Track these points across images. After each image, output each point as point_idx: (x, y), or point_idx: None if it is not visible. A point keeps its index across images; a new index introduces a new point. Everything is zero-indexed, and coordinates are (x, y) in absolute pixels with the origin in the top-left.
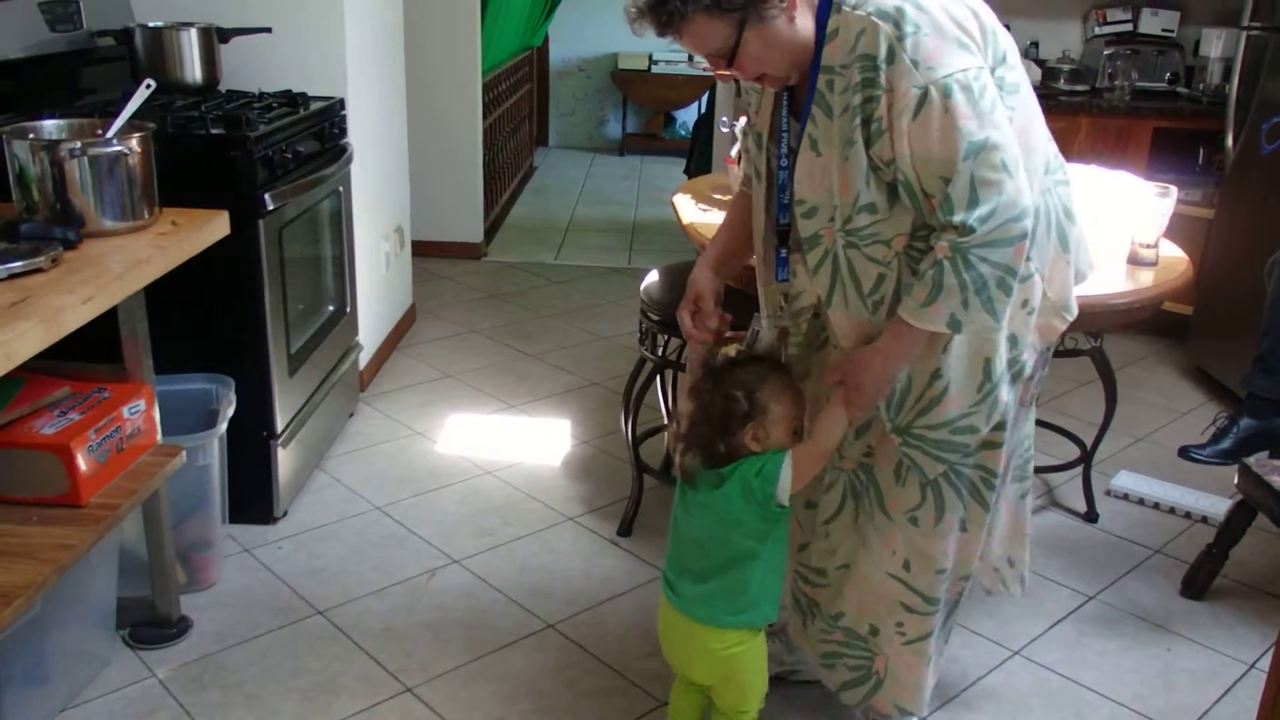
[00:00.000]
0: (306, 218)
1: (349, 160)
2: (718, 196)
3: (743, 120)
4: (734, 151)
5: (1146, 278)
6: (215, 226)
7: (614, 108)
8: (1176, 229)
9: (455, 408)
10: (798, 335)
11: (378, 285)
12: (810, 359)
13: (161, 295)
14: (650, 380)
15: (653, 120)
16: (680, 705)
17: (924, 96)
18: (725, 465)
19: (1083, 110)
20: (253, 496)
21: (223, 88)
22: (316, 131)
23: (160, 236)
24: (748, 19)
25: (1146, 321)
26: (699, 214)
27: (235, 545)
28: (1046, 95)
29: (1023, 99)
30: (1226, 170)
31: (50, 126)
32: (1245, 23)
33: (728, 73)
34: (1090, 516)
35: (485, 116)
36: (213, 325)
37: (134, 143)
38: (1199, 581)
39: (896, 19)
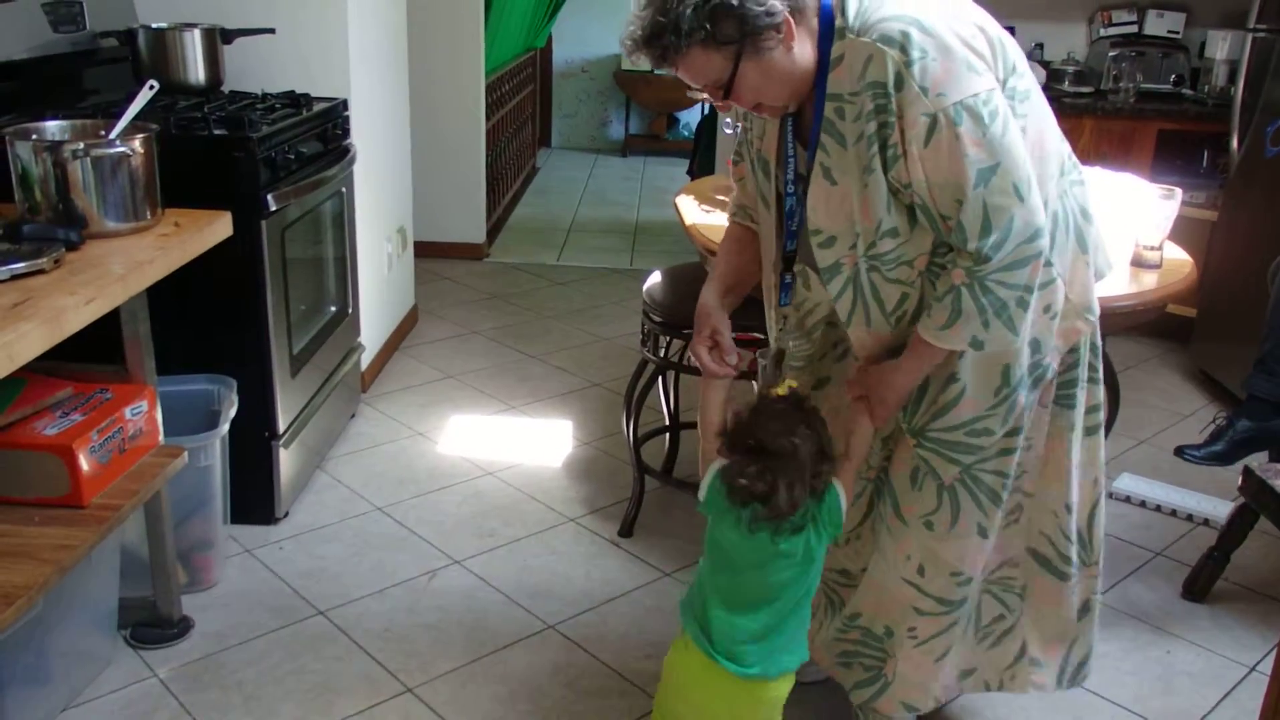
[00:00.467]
0: (309, 219)
1: (352, 161)
2: (720, 198)
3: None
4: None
5: (1150, 280)
6: (218, 228)
7: (617, 109)
8: (1180, 231)
9: (457, 409)
10: (809, 347)
11: (380, 286)
12: (828, 368)
13: (164, 296)
14: (652, 382)
15: (656, 121)
16: None
17: (933, 124)
18: (795, 509)
19: (1087, 112)
20: (254, 497)
21: (226, 88)
22: (319, 132)
23: (163, 238)
24: (744, 51)
25: (1149, 324)
26: (702, 215)
27: (237, 545)
28: (1051, 97)
29: (1034, 104)
30: (1231, 173)
31: (53, 127)
32: (1251, 25)
33: (725, 103)
34: None
35: (488, 117)
36: (215, 326)
37: (137, 144)
38: (1200, 584)
39: (903, 44)
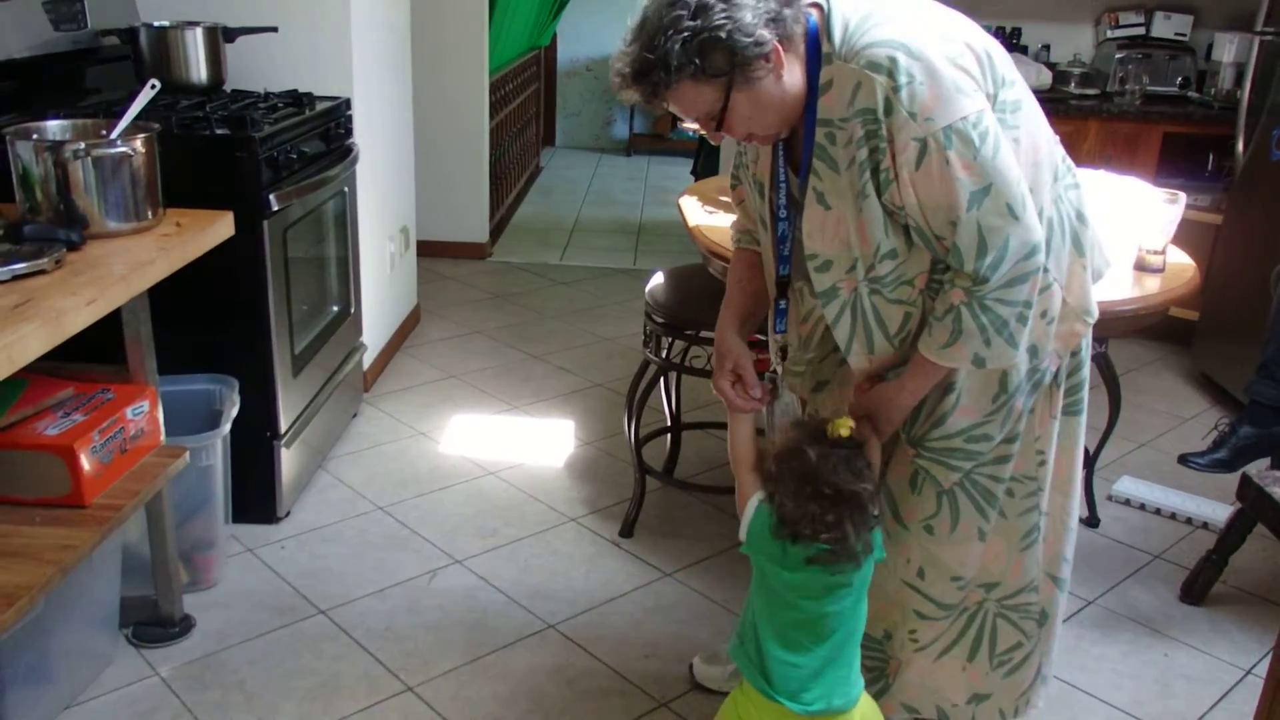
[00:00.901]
0: (311, 218)
1: (354, 161)
2: (724, 199)
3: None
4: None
5: (1153, 284)
6: (220, 228)
7: (621, 108)
8: (1184, 234)
9: (459, 409)
10: (809, 352)
11: (382, 286)
12: (828, 371)
13: (165, 296)
14: (654, 383)
15: (660, 121)
16: None
17: (923, 148)
18: (868, 554)
19: (1093, 114)
20: (256, 496)
21: (228, 87)
22: (322, 132)
23: (164, 238)
24: (735, 82)
25: (1151, 327)
26: (705, 216)
27: (238, 545)
28: (1056, 99)
29: (1026, 114)
30: (1236, 176)
31: (54, 127)
32: (1259, 27)
33: (718, 135)
34: (1091, 521)
35: (492, 116)
36: (217, 326)
37: (138, 143)
38: (1198, 587)
39: (890, 69)
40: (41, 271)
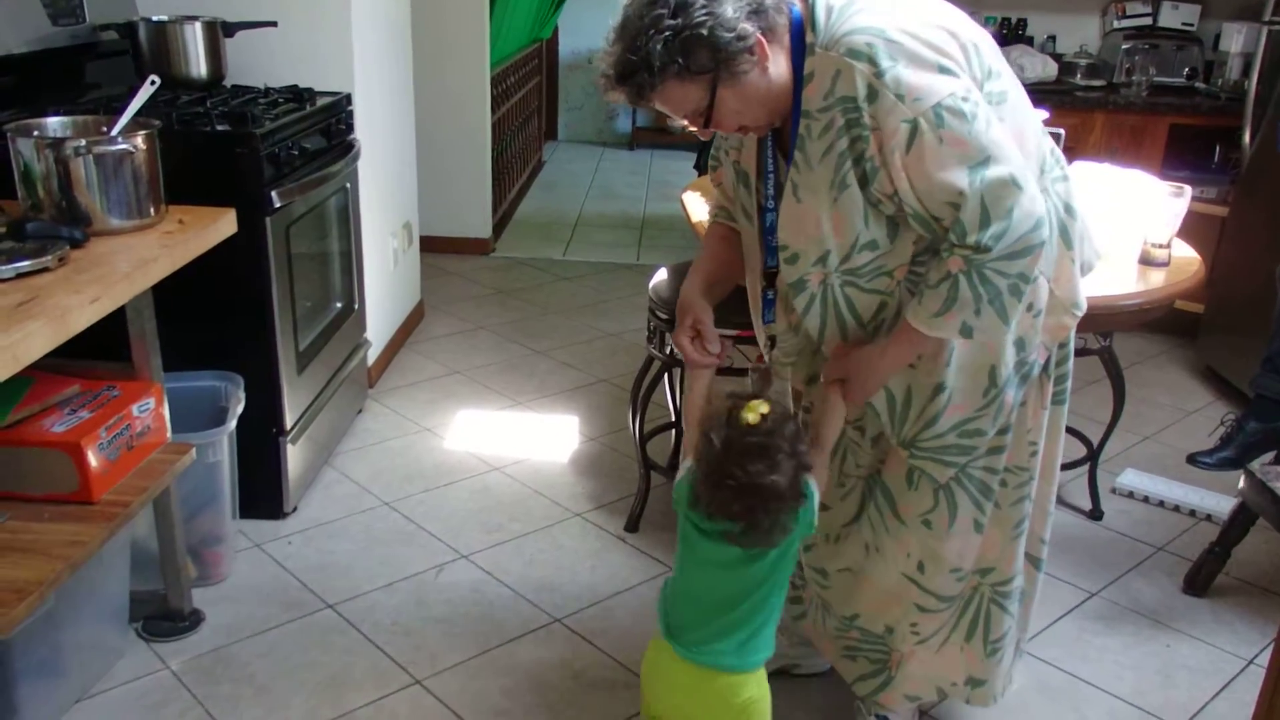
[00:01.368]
0: (314, 215)
1: (356, 156)
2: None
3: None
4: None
5: (1158, 278)
6: (222, 225)
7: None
8: (1189, 227)
9: (463, 404)
10: (800, 342)
11: (385, 282)
12: (820, 363)
13: (169, 293)
14: (658, 378)
15: (662, 114)
16: None
17: (914, 129)
18: (779, 541)
19: (1099, 106)
20: (262, 492)
21: (228, 83)
22: (323, 127)
23: (167, 235)
24: (720, 77)
25: (1156, 320)
26: (709, 212)
27: (246, 540)
28: (1062, 90)
29: (1011, 107)
30: (1242, 168)
31: (55, 124)
32: (1267, 17)
33: (708, 130)
34: (1095, 514)
35: (493, 110)
36: (221, 323)
37: (139, 140)
38: (1201, 579)
39: (871, 56)
40: (45, 269)
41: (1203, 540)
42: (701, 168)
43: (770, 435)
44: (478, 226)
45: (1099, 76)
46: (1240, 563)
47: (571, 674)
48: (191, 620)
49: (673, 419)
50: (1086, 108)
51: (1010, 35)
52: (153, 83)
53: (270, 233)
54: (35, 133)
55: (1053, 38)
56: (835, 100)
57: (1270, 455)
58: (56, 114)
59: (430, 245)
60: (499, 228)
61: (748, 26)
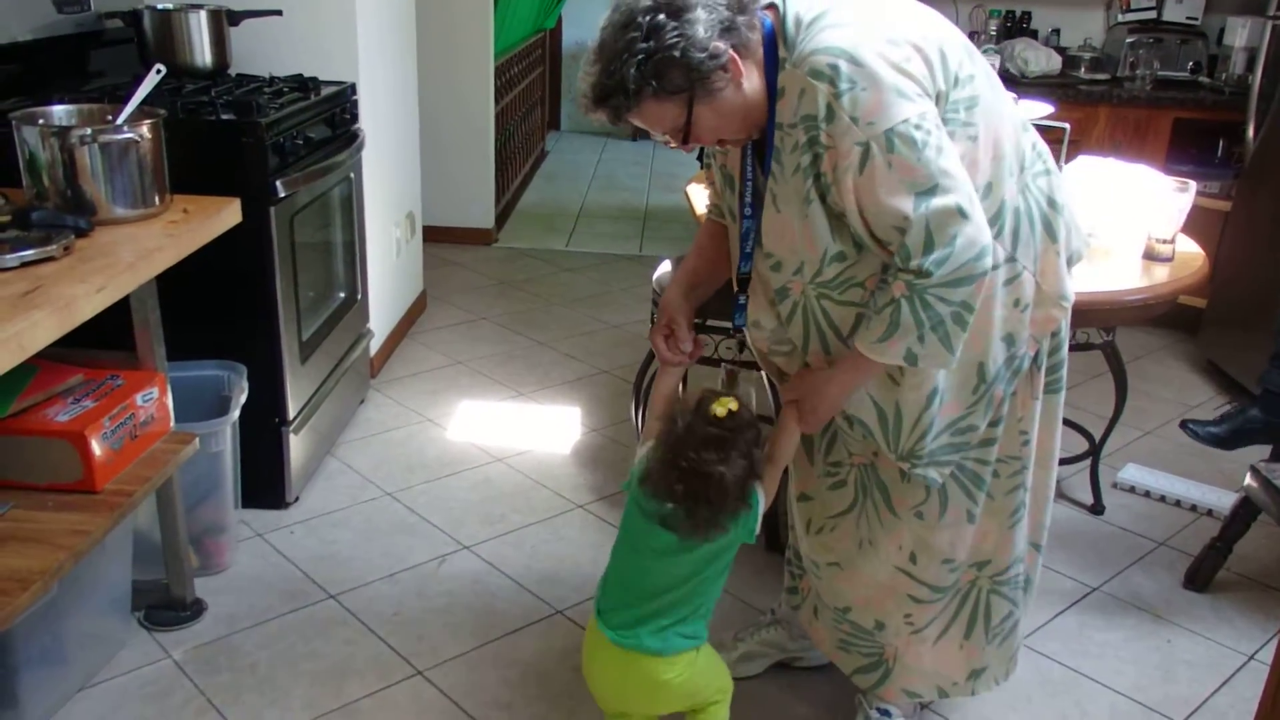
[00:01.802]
0: (318, 205)
1: (360, 146)
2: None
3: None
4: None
5: (1162, 274)
6: (226, 215)
7: None
8: (1192, 221)
9: (465, 395)
10: (788, 329)
11: (388, 272)
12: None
13: (173, 282)
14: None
15: None
16: None
17: (866, 152)
18: (711, 533)
19: (1102, 100)
20: (265, 482)
21: (233, 72)
22: (328, 117)
23: (171, 225)
24: (695, 95)
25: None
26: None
27: (248, 530)
28: (1066, 84)
29: (984, 109)
30: (1246, 163)
31: (60, 112)
32: (1271, 12)
33: (689, 145)
34: (1096, 508)
35: (497, 100)
36: (225, 313)
37: (144, 129)
38: (1202, 574)
39: (831, 77)
40: (50, 258)
41: (1204, 535)
42: (704, 159)
43: (731, 432)
44: (480, 217)
45: (1103, 70)
46: (1241, 558)
47: (572, 666)
48: (194, 610)
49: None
50: (1090, 102)
51: (1014, 28)
52: (158, 71)
53: (274, 222)
54: (41, 121)
55: (1057, 31)
56: (800, 117)
57: (1266, 452)
58: (61, 102)
59: (433, 235)
60: (501, 218)
61: (720, 45)
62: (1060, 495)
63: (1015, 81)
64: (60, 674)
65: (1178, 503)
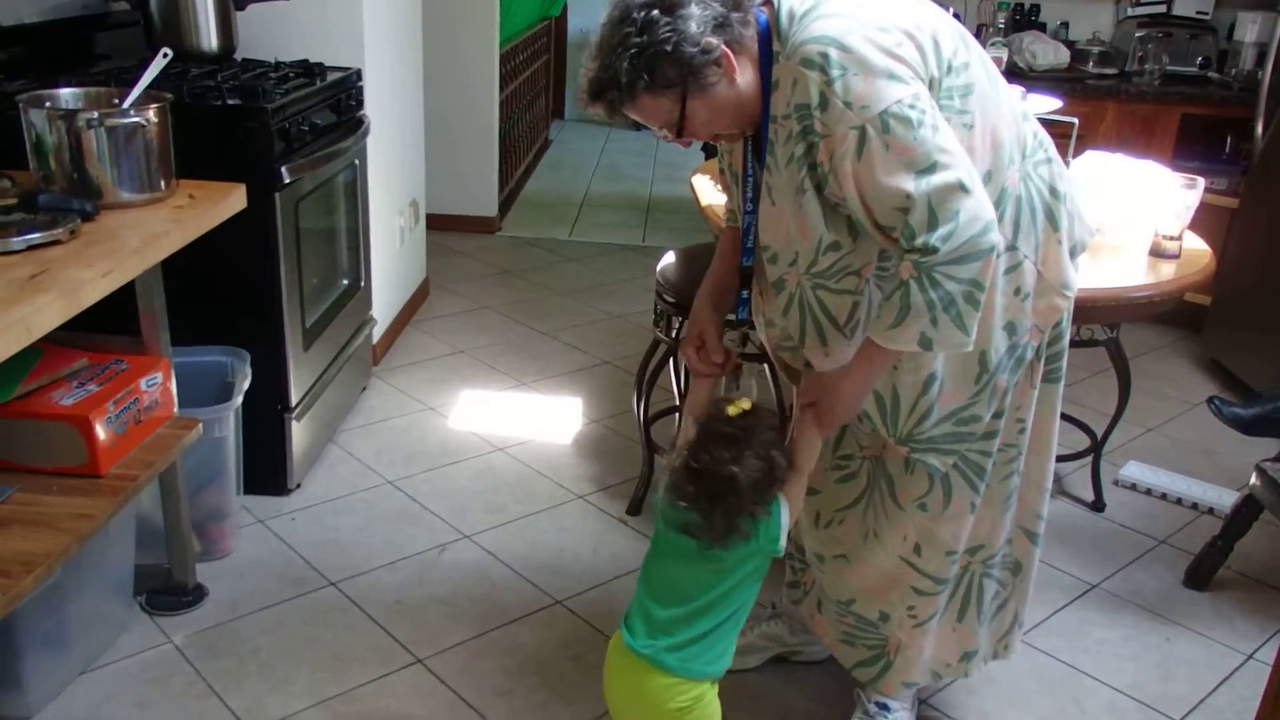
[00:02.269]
0: (322, 191)
1: (365, 133)
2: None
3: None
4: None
5: (1168, 270)
6: (232, 200)
7: None
8: (1198, 218)
9: (467, 384)
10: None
11: (392, 260)
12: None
13: (178, 268)
14: (663, 362)
15: None
16: None
17: (863, 136)
18: (740, 523)
19: (1110, 95)
20: (267, 468)
21: (238, 56)
22: (333, 103)
23: (177, 209)
24: (688, 90)
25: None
26: (718, 196)
27: (249, 516)
28: (1074, 78)
29: (980, 97)
30: (1254, 160)
31: (67, 95)
32: None
33: (684, 140)
34: (1097, 505)
35: (501, 88)
36: (229, 298)
37: (151, 113)
38: (1202, 573)
39: (822, 65)
40: (57, 242)
41: (1204, 534)
42: (710, 151)
43: (744, 431)
44: (484, 205)
45: (1111, 64)
46: (1242, 557)
47: (573, 656)
48: (195, 595)
49: (677, 402)
50: (1098, 96)
51: (1022, 21)
52: (165, 55)
53: (279, 209)
54: (47, 104)
55: (1065, 24)
56: (793, 108)
57: (1276, 452)
58: (68, 85)
59: (436, 223)
60: (505, 207)
61: (713, 40)
62: (1061, 492)
63: (1023, 75)
64: (63, 657)
65: (1179, 501)
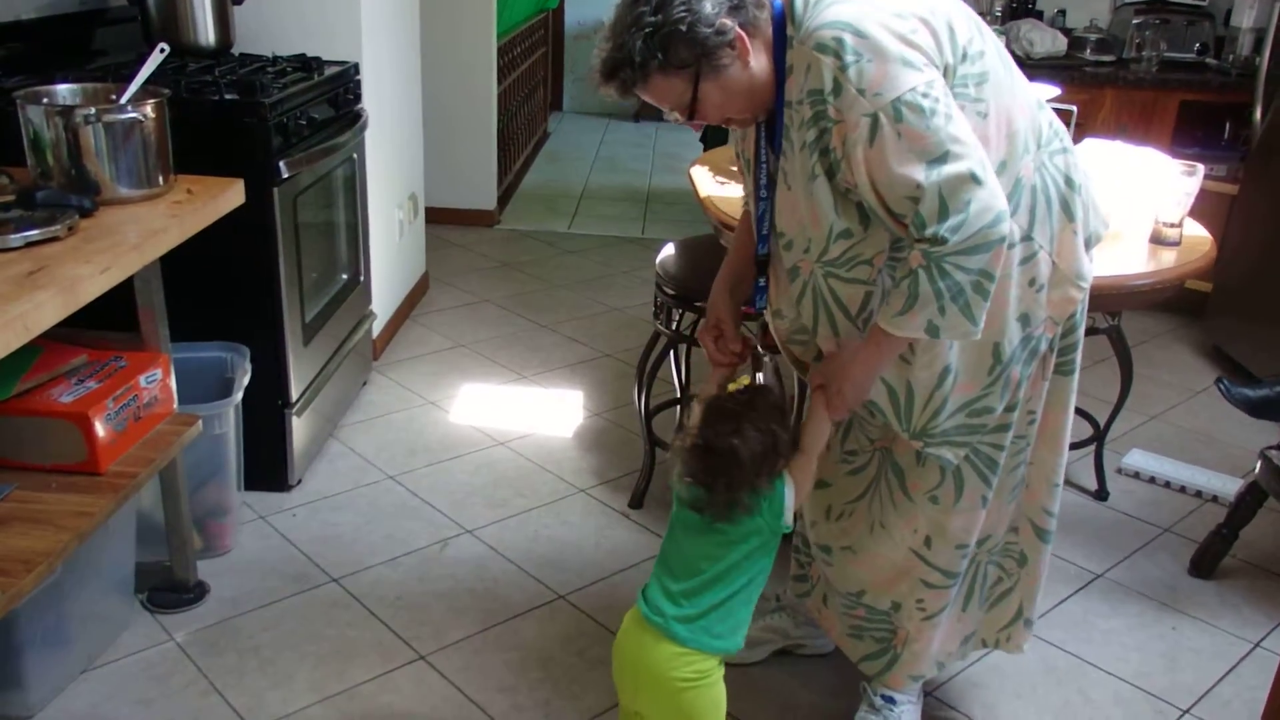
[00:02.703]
0: (321, 185)
1: (364, 127)
2: (735, 169)
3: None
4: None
5: (1169, 258)
6: (231, 195)
7: None
8: (1198, 205)
9: (468, 378)
10: (801, 319)
11: (391, 253)
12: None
13: (177, 263)
14: (664, 354)
15: None
16: None
17: (875, 123)
18: (743, 497)
19: (1108, 82)
20: (267, 464)
21: (236, 51)
22: (331, 97)
23: (176, 205)
24: (701, 71)
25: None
26: (717, 187)
27: (250, 512)
28: (1071, 65)
29: (995, 85)
30: (1253, 146)
31: (64, 91)
32: None
33: (695, 123)
34: (1101, 494)
35: (499, 81)
36: (228, 294)
37: (149, 109)
38: (1207, 561)
39: (836, 50)
40: (55, 238)
41: (1209, 522)
42: (708, 142)
43: (744, 405)
44: (483, 198)
45: (1109, 52)
46: (1247, 544)
47: (576, 651)
48: (196, 592)
49: (678, 395)
50: (1096, 83)
51: (1019, 9)
52: (162, 50)
53: (278, 203)
54: (45, 100)
55: (1062, 12)
56: (807, 93)
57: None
58: (66, 81)
59: (435, 217)
60: (504, 200)
61: (727, 21)
62: (1065, 481)
63: (1020, 63)
64: (64, 655)
65: (1182, 488)
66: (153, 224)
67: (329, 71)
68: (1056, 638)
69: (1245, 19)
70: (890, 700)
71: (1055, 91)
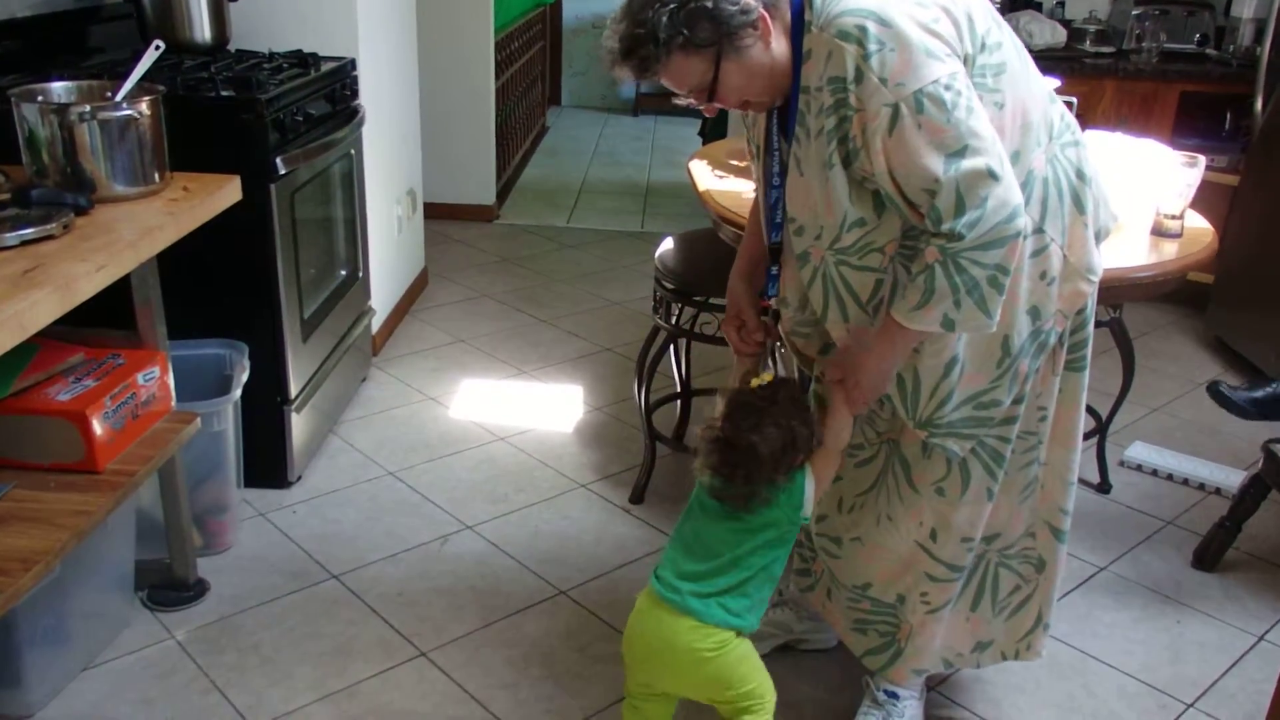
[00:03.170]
0: (318, 181)
1: (361, 122)
2: (734, 163)
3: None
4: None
5: (1170, 250)
6: (227, 192)
7: None
8: (1199, 196)
9: (467, 373)
10: (804, 313)
11: (390, 249)
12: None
13: (174, 261)
14: (664, 349)
15: None
16: None
17: (895, 113)
18: (761, 489)
19: (1108, 73)
20: (267, 461)
21: (232, 47)
22: (328, 93)
23: (172, 202)
24: (723, 51)
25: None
26: (716, 181)
27: (250, 509)
28: (1071, 57)
29: (1011, 77)
30: (1254, 136)
31: (59, 88)
32: None
33: (711, 106)
34: (1103, 487)
35: (497, 76)
36: (226, 291)
37: (144, 106)
38: (1210, 554)
39: (860, 38)
40: (50, 237)
41: (1212, 514)
42: (706, 136)
43: (766, 402)
44: (482, 193)
45: (1108, 43)
46: (1250, 537)
47: (577, 646)
48: (196, 590)
49: (678, 389)
50: (1096, 75)
51: (1019, 1)
52: (157, 47)
53: (275, 200)
54: (40, 98)
55: (1062, 3)
56: (827, 80)
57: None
58: (61, 79)
59: (434, 212)
60: (503, 194)
61: (751, 2)
62: None
63: None
64: (63, 654)
65: (1185, 481)
66: (149, 221)
67: (326, 67)
68: (1060, 632)
69: (1246, 9)
70: (893, 695)
71: (1055, 83)
